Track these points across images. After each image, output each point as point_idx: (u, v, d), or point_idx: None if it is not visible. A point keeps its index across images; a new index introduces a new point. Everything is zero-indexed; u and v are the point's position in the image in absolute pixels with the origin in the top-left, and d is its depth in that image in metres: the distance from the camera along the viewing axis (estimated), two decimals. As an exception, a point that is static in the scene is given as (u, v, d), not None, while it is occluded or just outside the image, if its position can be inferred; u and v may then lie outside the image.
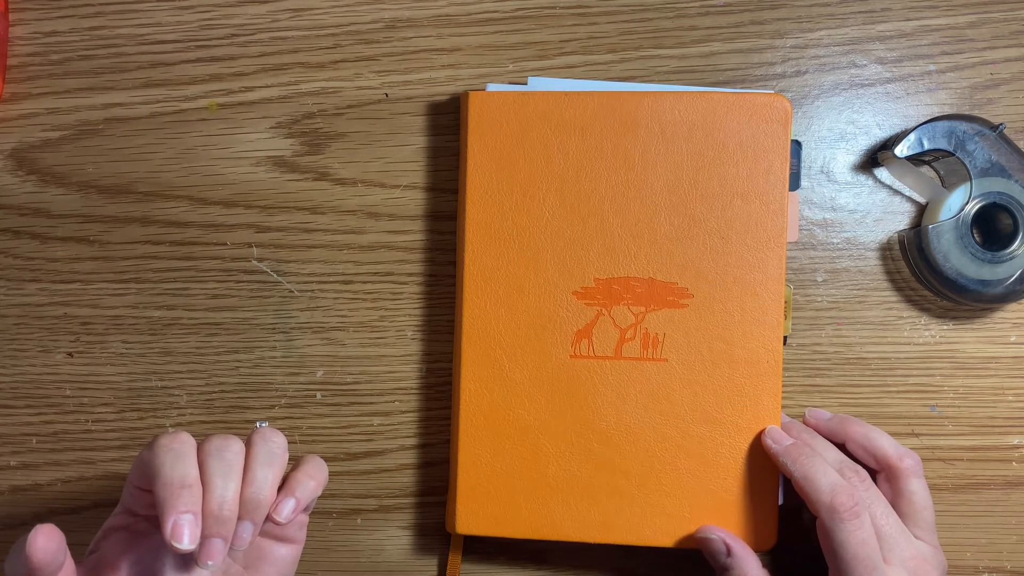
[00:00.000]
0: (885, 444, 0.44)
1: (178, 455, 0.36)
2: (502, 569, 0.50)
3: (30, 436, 0.52)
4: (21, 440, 0.52)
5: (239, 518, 0.36)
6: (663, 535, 0.46)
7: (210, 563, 0.35)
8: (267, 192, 0.50)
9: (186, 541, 0.34)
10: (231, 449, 0.37)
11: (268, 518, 0.37)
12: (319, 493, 0.39)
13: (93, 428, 0.51)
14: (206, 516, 0.35)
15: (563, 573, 0.50)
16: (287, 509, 0.37)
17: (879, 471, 0.45)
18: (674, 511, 0.46)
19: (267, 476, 0.37)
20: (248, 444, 0.38)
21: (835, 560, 0.41)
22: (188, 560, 0.39)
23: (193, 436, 0.38)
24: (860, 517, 0.41)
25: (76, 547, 0.37)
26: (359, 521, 0.51)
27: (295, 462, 0.40)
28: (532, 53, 0.50)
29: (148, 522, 0.39)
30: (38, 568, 0.34)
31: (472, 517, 0.46)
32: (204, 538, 0.35)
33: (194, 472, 0.36)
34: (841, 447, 0.45)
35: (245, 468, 0.37)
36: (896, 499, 0.43)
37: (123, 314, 0.51)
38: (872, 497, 0.43)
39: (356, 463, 0.51)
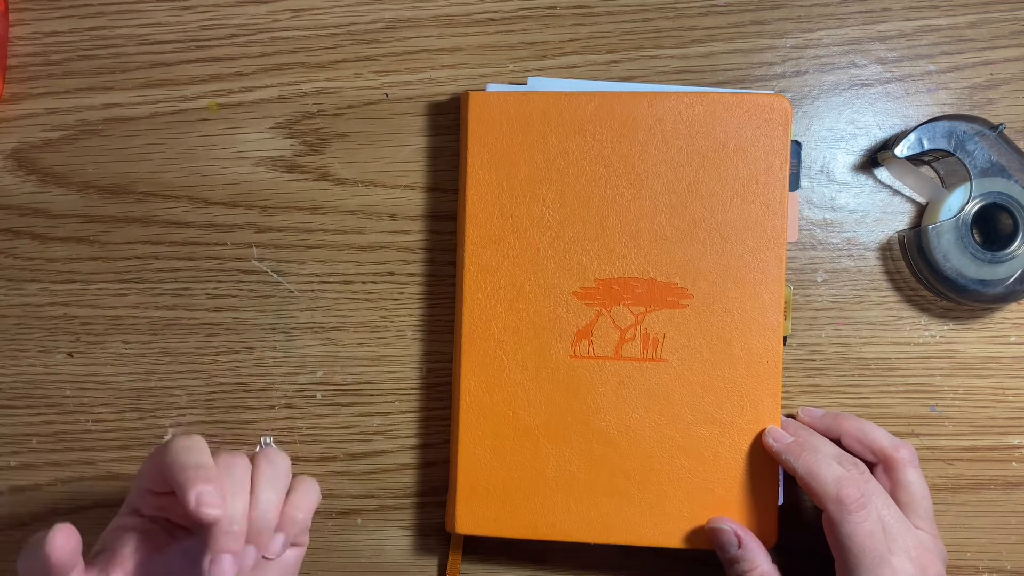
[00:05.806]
0: (880, 436, 0.45)
1: (191, 449, 0.37)
2: (502, 569, 0.50)
3: (30, 436, 0.52)
4: (21, 440, 0.52)
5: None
6: (663, 535, 0.46)
7: None
8: (267, 192, 0.50)
9: (212, 508, 0.34)
10: (239, 466, 0.38)
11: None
12: (309, 521, 0.40)
13: (93, 428, 0.51)
14: (216, 532, 0.35)
15: (563, 573, 0.50)
16: (277, 544, 0.38)
17: (875, 463, 0.45)
18: (674, 511, 0.45)
19: (271, 499, 0.38)
20: (254, 464, 0.39)
21: (842, 552, 0.41)
22: (197, 563, 0.40)
23: None
24: (867, 508, 0.41)
25: (76, 547, 0.37)
26: (359, 521, 0.51)
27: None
28: (532, 53, 0.50)
29: (155, 523, 0.40)
30: (55, 567, 0.35)
31: (472, 517, 0.46)
32: (214, 554, 0.35)
33: (209, 461, 0.37)
34: (836, 443, 0.45)
35: (251, 488, 0.38)
36: (894, 489, 0.44)
37: (123, 314, 0.51)
38: (872, 489, 0.42)
39: (356, 463, 0.51)
